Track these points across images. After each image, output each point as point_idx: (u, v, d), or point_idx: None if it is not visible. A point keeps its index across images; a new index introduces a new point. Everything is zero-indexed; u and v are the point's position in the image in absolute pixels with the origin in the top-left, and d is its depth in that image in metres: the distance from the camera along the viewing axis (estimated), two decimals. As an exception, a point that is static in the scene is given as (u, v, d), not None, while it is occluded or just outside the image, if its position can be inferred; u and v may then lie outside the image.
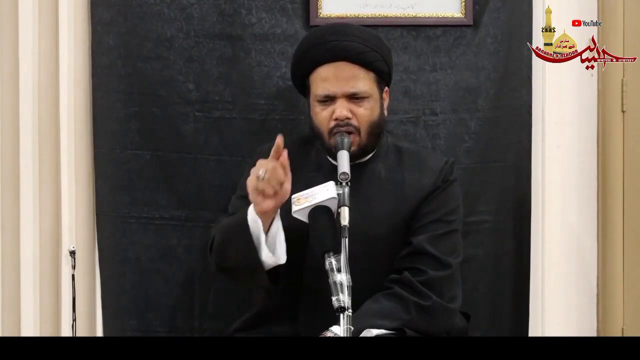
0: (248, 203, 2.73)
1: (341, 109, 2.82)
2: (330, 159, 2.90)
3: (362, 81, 2.85)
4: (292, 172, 2.73)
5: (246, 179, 2.74)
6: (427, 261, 2.79)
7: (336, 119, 2.82)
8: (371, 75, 2.87)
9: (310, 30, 3.14)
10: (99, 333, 3.29)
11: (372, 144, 2.88)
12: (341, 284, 2.43)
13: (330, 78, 2.84)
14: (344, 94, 2.83)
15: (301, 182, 2.74)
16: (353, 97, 2.84)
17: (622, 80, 3.36)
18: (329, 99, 2.84)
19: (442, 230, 2.84)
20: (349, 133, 2.82)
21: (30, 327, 3.28)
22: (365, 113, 2.84)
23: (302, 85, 2.93)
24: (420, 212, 2.85)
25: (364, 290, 2.69)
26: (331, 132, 2.84)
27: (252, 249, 2.70)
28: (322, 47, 2.85)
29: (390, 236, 2.84)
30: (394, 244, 2.83)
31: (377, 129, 2.88)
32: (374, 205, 2.84)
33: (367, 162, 2.90)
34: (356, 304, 2.47)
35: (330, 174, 2.78)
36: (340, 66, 2.84)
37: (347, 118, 2.82)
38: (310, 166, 2.93)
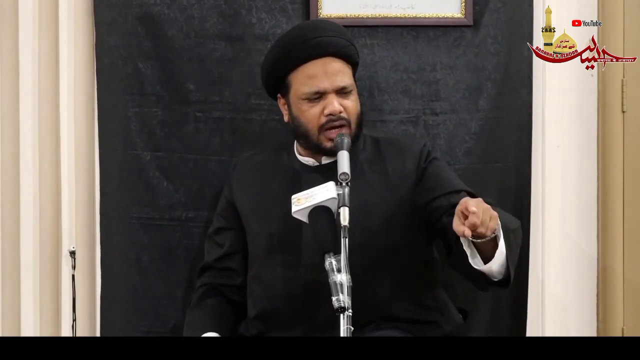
0: (226, 236, 2.96)
1: (334, 103, 2.84)
2: (302, 161, 2.93)
3: (347, 75, 2.89)
4: (265, 182, 2.88)
5: (222, 203, 2.99)
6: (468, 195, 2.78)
7: (329, 114, 2.84)
8: (350, 68, 2.91)
9: (284, 32, 3.10)
10: (99, 333, 3.29)
11: (358, 135, 2.91)
12: (341, 284, 2.43)
13: (318, 74, 2.85)
14: (334, 89, 2.85)
15: (275, 193, 2.84)
16: (341, 92, 2.86)
17: (622, 80, 3.36)
18: (318, 95, 2.85)
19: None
20: (342, 126, 2.84)
21: (30, 327, 3.28)
22: (352, 105, 2.88)
23: (279, 85, 2.93)
24: (423, 193, 2.86)
25: (366, 284, 2.69)
26: (322, 128, 2.85)
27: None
28: (307, 44, 2.86)
29: (386, 225, 2.84)
30: (391, 234, 2.84)
31: (362, 120, 2.91)
32: (364, 197, 2.84)
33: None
34: (358, 297, 2.47)
35: (302, 181, 2.80)
36: (327, 61, 2.86)
37: (340, 112, 2.84)
38: (282, 175, 2.94)
